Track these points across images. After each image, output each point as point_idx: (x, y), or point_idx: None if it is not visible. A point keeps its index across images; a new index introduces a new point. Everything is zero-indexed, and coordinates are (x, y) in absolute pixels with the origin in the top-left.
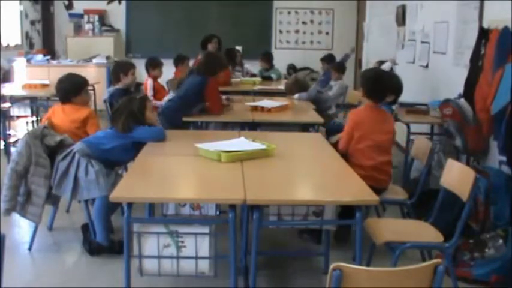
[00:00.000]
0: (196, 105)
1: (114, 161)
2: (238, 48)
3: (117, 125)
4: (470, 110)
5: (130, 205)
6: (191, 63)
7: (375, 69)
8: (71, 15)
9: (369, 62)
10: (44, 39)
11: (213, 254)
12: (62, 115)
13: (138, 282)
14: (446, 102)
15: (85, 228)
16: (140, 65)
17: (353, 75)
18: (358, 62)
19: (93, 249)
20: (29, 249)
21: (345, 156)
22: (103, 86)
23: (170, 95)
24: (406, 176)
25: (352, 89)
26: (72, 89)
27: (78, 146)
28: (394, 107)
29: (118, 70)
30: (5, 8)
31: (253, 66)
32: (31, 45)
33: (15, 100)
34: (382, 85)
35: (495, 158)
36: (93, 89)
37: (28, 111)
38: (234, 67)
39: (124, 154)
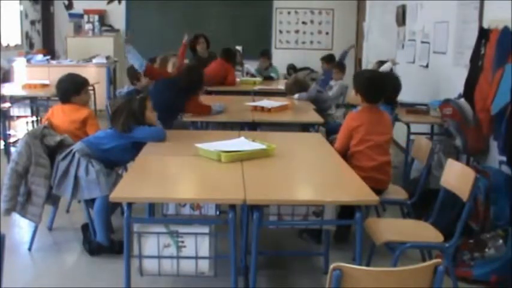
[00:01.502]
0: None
1: (114, 161)
2: (238, 48)
3: (117, 125)
4: (470, 110)
5: (130, 205)
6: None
7: (368, 71)
8: (71, 15)
9: (368, 62)
10: (44, 39)
11: (213, 254)
12: (61, 115)
13: (138, 282)
14: (446, 102)
15: (85, 228)
16: None
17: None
18: (358, 62)
19: (93, 249)
20: (29, 249)
21: (345, 157)
22: (103, 86)
23: None
24: (406, 176)
25: (353, 89)
26: (72, 88)
27: (78, 145)
28: (396, 111)
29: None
30: (5, 8)
31: (253, 66)
32: (31, 45)
33: (15, 100)
34: (376, 87)
35: (495, 158)
36: (93, 89)
37: (28, 111)
38: (234, 67)
39: (124, 154)
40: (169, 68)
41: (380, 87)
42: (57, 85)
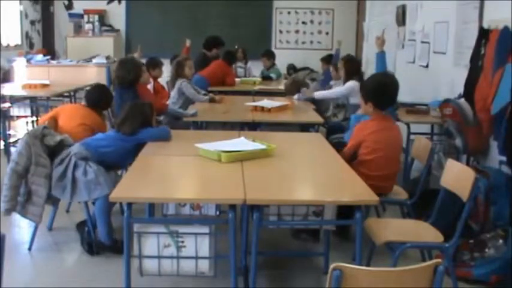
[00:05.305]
0: None
1: (111, 164)
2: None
3: (125, 128)
4: (470, 110)
5: (130, 205)
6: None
7: (374, 79)
8: (71, 15)
9: (368, 62)
10: (44, 39)
11: (213, 254)
12: (69, 117)
13: (138, 282)
14: (446, 102)
15: (80, 226)
16: None
17: None
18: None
19: (92, 248)
20: (29, 249)
21: (349, 162)
22: None
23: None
24: (406, 176)
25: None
26: (106, 101)
27: (75, 149)
28: (396, 111)
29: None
30: (5, 8)
31: (253, 66)
32: (31, 45)
33: (15, 100)
34: (387, 93)
35: (495, 158)
36: None
37: (28, 111)
38: (235, 64)
39: (124, 157)
40: (186, 71)
41: (389, 92)
42: (96, 90)
